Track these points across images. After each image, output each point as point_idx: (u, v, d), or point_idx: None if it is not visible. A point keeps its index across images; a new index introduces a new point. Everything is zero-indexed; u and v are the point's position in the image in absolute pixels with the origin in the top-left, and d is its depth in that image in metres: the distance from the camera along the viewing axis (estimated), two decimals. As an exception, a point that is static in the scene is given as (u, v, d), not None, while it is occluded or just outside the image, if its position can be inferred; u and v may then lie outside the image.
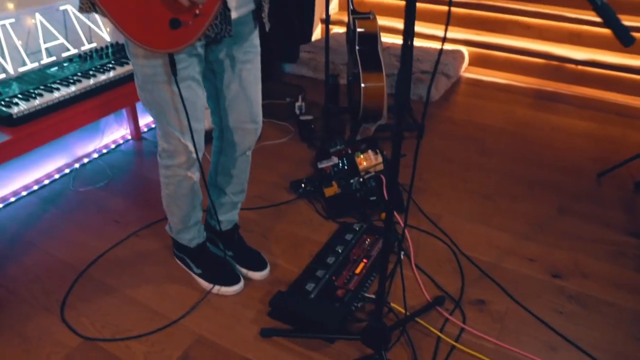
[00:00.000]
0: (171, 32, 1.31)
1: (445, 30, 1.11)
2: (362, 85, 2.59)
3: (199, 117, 1.60)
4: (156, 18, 1.28)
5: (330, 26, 4.52)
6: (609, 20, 0.87)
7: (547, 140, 3.08)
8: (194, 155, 1.64)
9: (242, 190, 1.98)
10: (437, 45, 4.13)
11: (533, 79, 3.93)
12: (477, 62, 4.11)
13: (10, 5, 2.35)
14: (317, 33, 4.45)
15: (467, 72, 4.04)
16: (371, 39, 2.65)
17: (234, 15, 1.45)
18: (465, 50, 4.10)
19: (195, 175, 1.72)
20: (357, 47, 2.64)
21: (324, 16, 4.49)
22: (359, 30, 2.65)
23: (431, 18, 4.29)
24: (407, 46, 1.14)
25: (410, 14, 1.09)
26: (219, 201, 1.97)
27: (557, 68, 3.87)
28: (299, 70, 3.94)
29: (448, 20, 1.18)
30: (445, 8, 4.30)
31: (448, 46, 4.10)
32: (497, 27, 4.18)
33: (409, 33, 1.12)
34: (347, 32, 2.83)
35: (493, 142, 3.04)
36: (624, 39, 0.88)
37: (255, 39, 1.64)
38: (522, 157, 2.88)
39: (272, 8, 3.51)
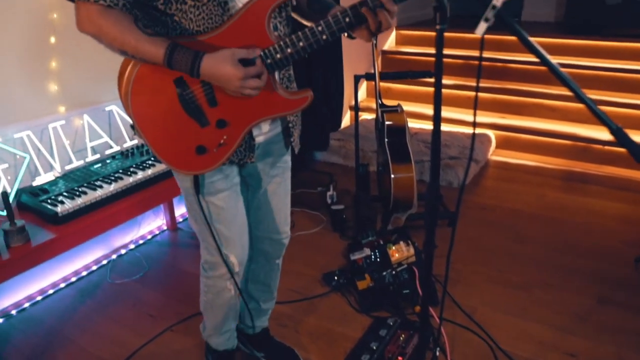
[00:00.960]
0: (197, 157, 1.39)
1: (474, 117, 1.15)
2: (392, 176, 2.63)
3: (239, 228, 1.62)
4: (185, 144, 1.38)
5: (359, 113, 4.65)
6: (624, 142, 0.90)
7: (581, 224, 3.03)
8: (235, 267, 1.66)
9: (271, 298, 2.00)
10: (464, 129, 4.20)
11: (561, 160, 3.93)
12: (505, 145, 4.15)
13: (62, 109, 2.52)
14: (346, 120, 4.59)
15: (495, 155, 4.07)
16: (399, 131, 2.72)
17: (260, 139, 1.52)
18: (491, 133, 4.16)
19: (234, 288, 1.73)
20: (386, 140, 2.71)
21: (352, 103, 4.66)
22: (387, 123, 2.73)
23: (457, 102, 4.40)
24: (436, 146, 1.18)
25: (437, 110, 1.14)
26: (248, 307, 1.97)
27: (584, 149, 3.88)
28: (329, 158, 4.03)
29: (475, 106, 1.22)
30: (470, 93, 4.42)
31: (475, 130, 4.16)
32: (523, 109, 4.26)
33: (437, 138, 1.16)
34: (376, 124, 2.92)
35: (526, 228, 3.02)
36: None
37: (286, 155, 1.69)
38: (556, 243, 2.84)
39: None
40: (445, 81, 4.47)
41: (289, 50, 1.29)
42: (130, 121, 1.42)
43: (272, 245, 1.81)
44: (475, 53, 4.70)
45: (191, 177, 1.49)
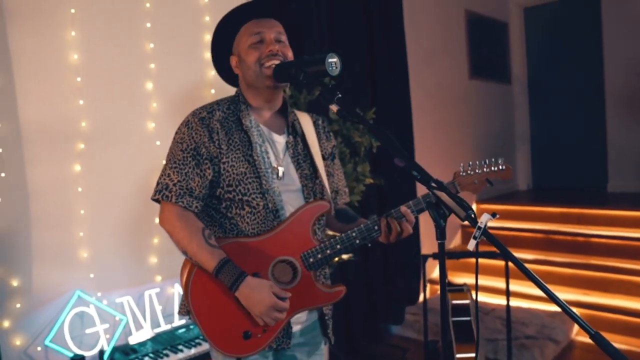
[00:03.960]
0: (243, 341, 1.57)
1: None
2: (456, 356, 2.71)
3: None
4: (234, 330, 1.57)
5: (437, 286, 4.76)
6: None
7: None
8: None
9: None
10: (544, 306, 4.14)
11: (657, 344, 3.71)
12: (590, 324, 3.98)
13: (159, 278, 2.94)
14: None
15: (580, 335, 3.93)
16: (464, 310, 2.85)
17: (298, 327, 1.69)
18: (576, 311, 4.05)
19: None
20: (451, 319, 2.83)
21: (432, 276, 4.79)
22: (452, 302, 2.87)
23: (540, 278, 4.37)
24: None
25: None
26: None
27: (683, 332, 3.66)
28: (404, 332, 4.07)
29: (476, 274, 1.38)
30: (552, 268, 4.41)
31: (556, 307, 4.08)
32: (609, 286, 4.13)
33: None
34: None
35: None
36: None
37: (322, 345, 1.80)
38: None
39: (377, 268, 3.83)
40: (525, 255, 4.54)
41: (328, 251, 1.60)
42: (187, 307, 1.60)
43: None
44: (557, 227, 4.77)
45: None
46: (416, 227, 4.35)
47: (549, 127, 6.27)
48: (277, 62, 1.61)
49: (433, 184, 1.21)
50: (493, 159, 1.61)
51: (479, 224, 1.16)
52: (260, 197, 1.60)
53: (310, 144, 1.74)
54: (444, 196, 1.20)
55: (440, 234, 1.24)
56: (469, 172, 1.61)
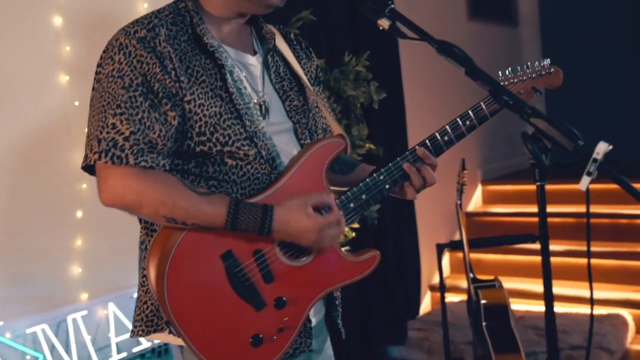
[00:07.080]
0: (252, 350, 1.49)
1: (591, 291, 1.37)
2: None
3: None
4: (237, 336, 1.49)
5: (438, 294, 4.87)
6: None
7: None
8: None
9: None
10: (585, 309, 4.29)
11: None
12: (646, 329, 4.19)
13: (84, 296, 2.88)
14: (425, 304, 4.81)
15: (636, 343, 4.12)
16: (500, 312, 2.96)
17: (314, 320, 1.66)
18: (627, 313, 4.23)
19: None
20: (483, 323, 2.94)
21: (432, 282, 4.90)
22: (483, 302, 2.97)
23: (571, 274, 4.50)
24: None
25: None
26: None
27: None
28: (409, 354, 4.15)
29: (590, 277, 1.45)
30: (586, 261, 4.57)
31: (603, 310, 4.27)
32: (666, 280, 4.34)
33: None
34: (469, 305, 3.17)
35: None
36: None
37: (329, 348, 1.81)
38: None
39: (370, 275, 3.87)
40: (553, 247, 4.68)
41: (351, 204, 1.57)
42: (163, 316, 1.51)
43: None
44: (591, 208, 4.92)
45: None
46: (412, 214, 4.45)
47: (570, 83, 6.36)
48: None
49: (528, 110, 1.28)
50: (537, 62, 1.68)
51: (594, 156, 1.23)
52: (248, 144, 1.54)
53: (292, 65, 1.72)
54: (543, 124, 1.27)
55: (541, 175, 1.31)
56: (511, 80, 1.67)
